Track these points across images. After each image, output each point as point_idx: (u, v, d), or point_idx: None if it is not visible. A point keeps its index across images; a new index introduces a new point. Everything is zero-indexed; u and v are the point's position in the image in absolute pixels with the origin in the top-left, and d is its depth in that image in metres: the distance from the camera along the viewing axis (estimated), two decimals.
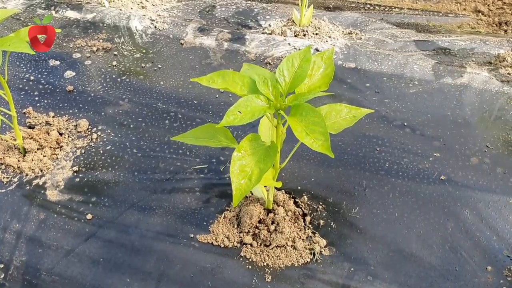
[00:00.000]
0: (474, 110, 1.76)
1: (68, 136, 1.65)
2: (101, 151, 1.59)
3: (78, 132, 1.66)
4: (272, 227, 1.32)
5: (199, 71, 1.97)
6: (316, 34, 2.22)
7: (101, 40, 2.14)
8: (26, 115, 1.72)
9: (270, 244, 1.29)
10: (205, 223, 1.36)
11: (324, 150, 0.99)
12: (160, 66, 2.00)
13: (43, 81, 1.90)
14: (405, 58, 2.05)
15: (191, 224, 1.36)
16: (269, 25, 2.34)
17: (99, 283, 1.23)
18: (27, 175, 1.51)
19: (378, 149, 1.60)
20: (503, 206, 1.41)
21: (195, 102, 1.80)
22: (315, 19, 2.34)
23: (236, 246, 1.30)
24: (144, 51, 2.08)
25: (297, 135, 1.01)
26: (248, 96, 1.03)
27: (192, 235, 1.33)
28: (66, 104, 1.78)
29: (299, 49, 2.09)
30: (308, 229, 1.34)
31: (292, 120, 1.03)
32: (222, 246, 1.30)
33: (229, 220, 1.36)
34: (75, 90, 1.85)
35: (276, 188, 1.40)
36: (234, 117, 1.00)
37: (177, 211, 1.40)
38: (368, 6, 2.59)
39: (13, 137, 1.59)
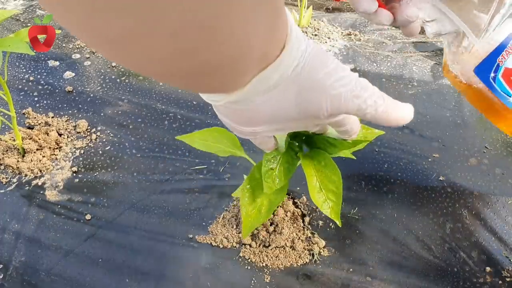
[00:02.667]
0: (473, 111, 1.76)
1: (67, 137, 1.65)
2: (100, 152, 1.59)
3: (77, 132, 1.66)
4: (271, 228, 1.32)
5: None
6: (316, 35, 2.22)
7: None
8: (26, 116, 1.72)
9: (269, 245, 1.29)
10: (204, 223, 1.36)
11: (332, 214, 0.94)
12: None
13: (42, 82, 1.90)
14: (404, 59, 2.05)
15: (190, 225, 1.36)
16: None
17: (98, 283, 1.23)
18: (26, 175, 1.51)
19: (377, 150, 1.60)
20: (502, 206, 1.42)
21: (194, 103, 1.80)
22: (314, 20, 2.35)
23: (235, 246, 1.30)
24: None
25: (308, 180, 0.95)
26: None
27: (191, 236, 1.33)
28: (65, 105, 1.78)
29: None
30: (307, 230, 1.34)
31: (308, 164, 0.96)
32: (221, 246, 1.30)
33: (228, 220, 1.36)
34: (74, 91, 1.86)
35: None
36: None
37: (176, 211, 1.40)
38: None
39: (12, 137, 1.59)
